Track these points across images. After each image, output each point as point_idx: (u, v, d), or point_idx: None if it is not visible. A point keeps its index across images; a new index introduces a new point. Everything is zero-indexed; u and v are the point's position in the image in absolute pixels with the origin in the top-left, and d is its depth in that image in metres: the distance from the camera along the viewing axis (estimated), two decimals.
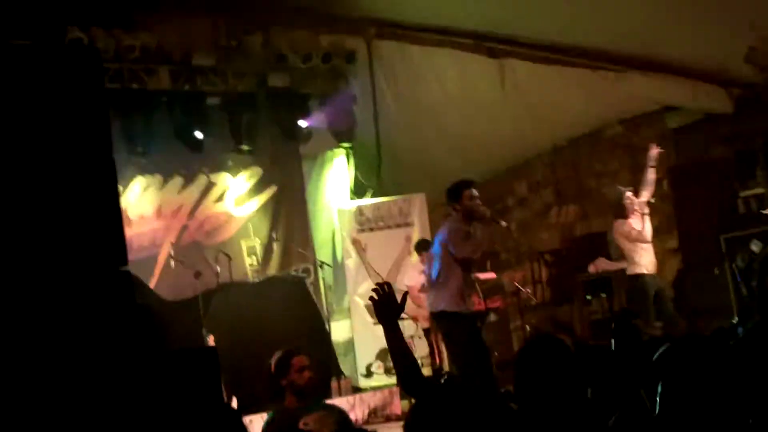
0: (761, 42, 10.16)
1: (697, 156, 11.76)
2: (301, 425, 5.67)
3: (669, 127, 12.02)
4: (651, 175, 10.18)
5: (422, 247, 11.08)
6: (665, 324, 9.61)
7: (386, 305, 4.10)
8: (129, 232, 10.78)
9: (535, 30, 11.11)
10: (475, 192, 8.09)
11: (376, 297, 4.16)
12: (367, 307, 11.51)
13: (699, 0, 9.78)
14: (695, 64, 10.93)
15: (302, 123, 12.20)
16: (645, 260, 10.00)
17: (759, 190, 11.10)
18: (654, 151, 10.12)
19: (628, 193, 10.01)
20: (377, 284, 4.15)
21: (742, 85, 11.00)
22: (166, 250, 11.42)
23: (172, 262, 11.17)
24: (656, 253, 11.96)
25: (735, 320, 6.89)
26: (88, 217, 3.93)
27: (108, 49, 10.46)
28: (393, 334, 4.14)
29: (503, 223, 8.28)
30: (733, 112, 11.13)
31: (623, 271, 11.45)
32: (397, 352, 4.11)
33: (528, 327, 12.01)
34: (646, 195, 10.11)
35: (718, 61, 10.81)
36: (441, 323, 8.59)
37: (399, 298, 4.22)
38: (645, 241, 9.97)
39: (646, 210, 10.00)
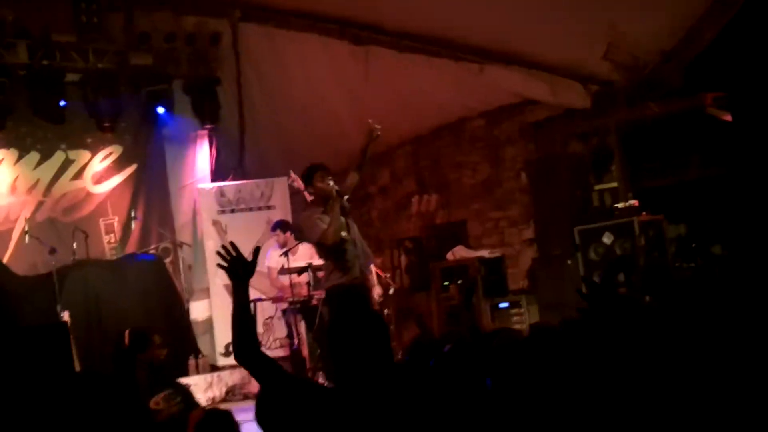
0: (619, 40, 10.48)
1: (554, 149, 12.05)
2: (152, 405, 5.65)
3: (528, 120, 12.30)
4: None
5: (278, 226, 11.16)
6: None
7: (238, 264, 4.03)
8: None
9: (400, 19, 11.21)
10: (326, 173, 8.25)
11: (224, 262, 4.05)
12: (226, 287, 11.46)
13: None
14: (555, 59, 11.22)
15: (163, 104, 12.04)
16: None
17: (613, 185, 11.48)
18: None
19: None
20: (222, 246, 4.06)
21: (600, 81, 11.32)
22: (20, 226, 11.14)
23: (27, 238, 10.91)
24: (513, 244, 12.32)
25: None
26: None
27: None
28: (242, 296, 4.03)
29: (345, 197, 8.37)
30: (590, 108, 11.44)
31: (480, 258, 11.72)
32: (239, 315, 3.97)
33: (386, 311, 12.13)
34: None
35: (577, 58, 11.12)
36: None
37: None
38: None
39: None
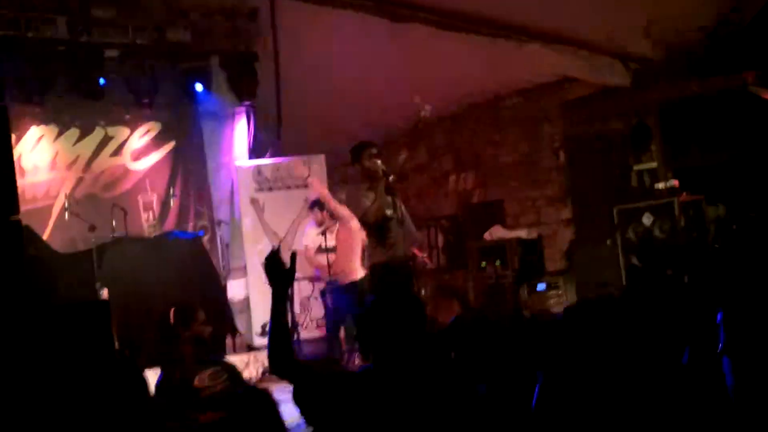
0: (659, 17, 10.36)
1: (593, 128, 11.95)
2: (196, 383, 5.69)
3: (567, 98, 12.20)
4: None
5: (315, 204, 11.15)
6: None
7: (276, 271, 4.05)
8: (22, 182, 10.62)
9: None
10: (374, 151, 8.24)
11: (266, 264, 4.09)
12: (263, 265, 11.46)
13: None
14: (594, 36, 11.10)
15: (199, 87, 12.07)
16: None
17: (652, 164, 11.35)
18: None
19: None
20: (266, 257, 4.09)
21: (640, 59, 11.20)
22: (61, 202, 11.24)
23: (67, 214, 11.00)
24: (550, 223, 12.24)
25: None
26: None
27: None
28: (279, 305, 4.04)
29: (391, 178, 8.36)
30: (630, 86, 11.33)
31: (518, 238, 11.67)
32: (275, 326, 4.00)
33: (423, 291, 12.12)
34: None
35: (617, 35, 10.99)
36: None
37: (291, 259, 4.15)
38: None
39: None
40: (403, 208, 8.48)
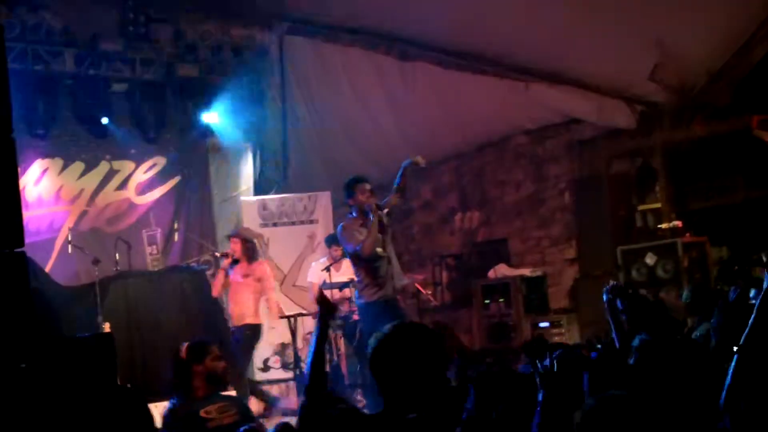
0: (665, 60, 10.39)
1: (598, 169, 11.96)
2: (202, 414, 5.66)
3: (573, 139, 12.22)
4: None
5: (333, 241, 11.12)
6: None
7: (325, 305, 4.32)
8: (26, 214, 10.58)
9: (447, 35, 11.19)
10: (367, 186, 8.26)
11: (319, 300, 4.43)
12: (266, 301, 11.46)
13: (607, 17, 9.92)
14: (601, 79, 11.13)
15: (209, 115, 12.09)
16: None
17: (656, 205, 11.36)
18: None
19: None
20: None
21: (646, 101, 11.23)
22: (64, 235, 11.23)
23: (70, 248, 10.98)
24: (554, 262, 12.23)
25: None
26: None
27: (12, 27, 10.24)
28: (322, 335, 4.32)
29: (385, 211, 8.35)
30: (635, 128, 11.35)
31: (522, 277, 11.66)
32: (316, 354, 4.25)
33: None
34: None
35: (623, 77, 11.02)
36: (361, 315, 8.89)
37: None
38: None
39: None
40: (392, 248, 8.47)
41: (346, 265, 10.52)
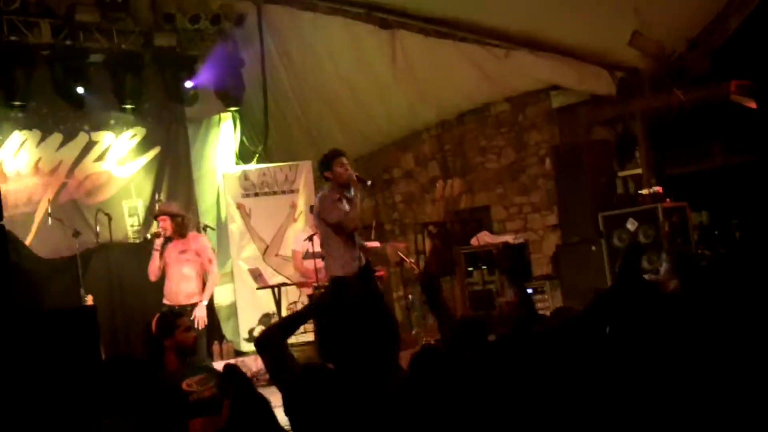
0: (644, 27, 10.40)
1: (579, 136, 11.97)
2: (184, 386, 5.65)
3: (553, 106, 12.22)
4: None
5: None
6: None
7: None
8: (4, 187, 10.51)
9: (427, 3, 11.16)
10: (344, 160, 8.26)
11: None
12: (250, 271, 11.45)
13: None
14: (581, 46, 11.11)
15: (188, 84, 12.02)
16: None
17: (637, 171, 11.40)
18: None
19: None
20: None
21: (626, 68, 11.23)
22: (43, 208, 11.14)
23: (50, 220, 10.90)
24: (536, 229, 12.28)
25: None
26: None
27: None
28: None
29: (368, 182, 8.36)
30: (615, 95, 11.36)
31: (505, 244, 11.69)
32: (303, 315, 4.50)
33: (410, 296, 12.16)
34: None
35: (603, 44, 11.01)
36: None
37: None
38: None
39: None
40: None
41: None
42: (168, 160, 12.22)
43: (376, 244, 11.33)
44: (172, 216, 9.91)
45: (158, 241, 9.84)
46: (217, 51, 11.99)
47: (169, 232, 9.85)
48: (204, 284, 9.85)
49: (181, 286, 9.76)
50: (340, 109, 12.68)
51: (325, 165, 8.33)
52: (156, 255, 9.81)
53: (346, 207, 8.13)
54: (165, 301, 9.78)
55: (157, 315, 6.34)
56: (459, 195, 13.31)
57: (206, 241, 10.34)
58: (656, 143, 11.42)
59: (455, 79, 12.06)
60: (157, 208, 10.96)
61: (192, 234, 10.18)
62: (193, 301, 9.66)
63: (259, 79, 12.45)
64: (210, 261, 9.96)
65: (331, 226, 8.22)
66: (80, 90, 11.28)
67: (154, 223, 10.31)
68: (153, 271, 9.83)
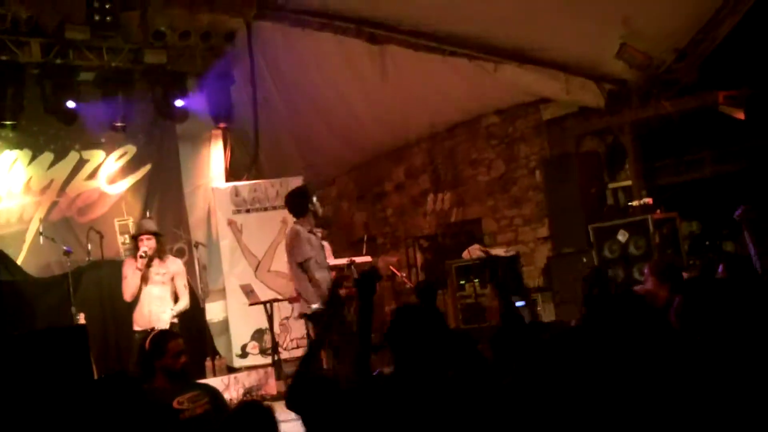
0: (632, 38, 10.44)
1: (569, 147, 12.02)
2: (175, 404, 5.62)
3: (543, 118, 12.28)
4: None
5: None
6: None
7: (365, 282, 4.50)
8: None
9: (416, 17, 11.20)
10: (314, 199, 8.93)
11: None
12: (242, 287, 11.46)
13: None
14: (569, 58, 11.17)
15: (179, 102, 12.03)
16: None
17: (627, 183, 11.45)
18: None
19: None
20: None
21: (614, 80, 11.28)
22: (35, 226, 11.14)
23: (41, 239, 10.89)
24: (527, 241, 12.30)
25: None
26: None
27: None
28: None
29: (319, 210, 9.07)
30: (604, 106, 11.41)
31: (488, 255, 11.70)
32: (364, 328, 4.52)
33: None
34: None
35: (591, 57, 11.07)
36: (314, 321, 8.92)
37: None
38: None
39: None
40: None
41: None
42: (159, 178, 12.23)
43: (367, 258, 11.36)
44: (156, 235, 9.93)
45: (142, 262, 9.72)
46: (208, 69, 12.01)
47: (151, 252, 9.80)
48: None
49: (152, 308, 9.72)
50: (331, 124, 12.71)
51: (307, 197, 8.90)
52: (137, 276, 9.72)
53: (314, 248, 8.70)
54: (135, 327, 9.72)
55: (154, 332, 6.33)
56: (450, 208, 13.34)
57: (182, 266, 10.34)
58: (646, 154, 11.47)
59: (445, 92, 12.11)
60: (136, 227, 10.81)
61: (170, 257, 10.20)
62: (163, 326, 9.43)
63: (249, 95, 12.46)
64: (185, 287, 10.04)
65: (299, 264, 8.72)
66: (71, 107, 11.27)
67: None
68: (131, 291, 9.75)
